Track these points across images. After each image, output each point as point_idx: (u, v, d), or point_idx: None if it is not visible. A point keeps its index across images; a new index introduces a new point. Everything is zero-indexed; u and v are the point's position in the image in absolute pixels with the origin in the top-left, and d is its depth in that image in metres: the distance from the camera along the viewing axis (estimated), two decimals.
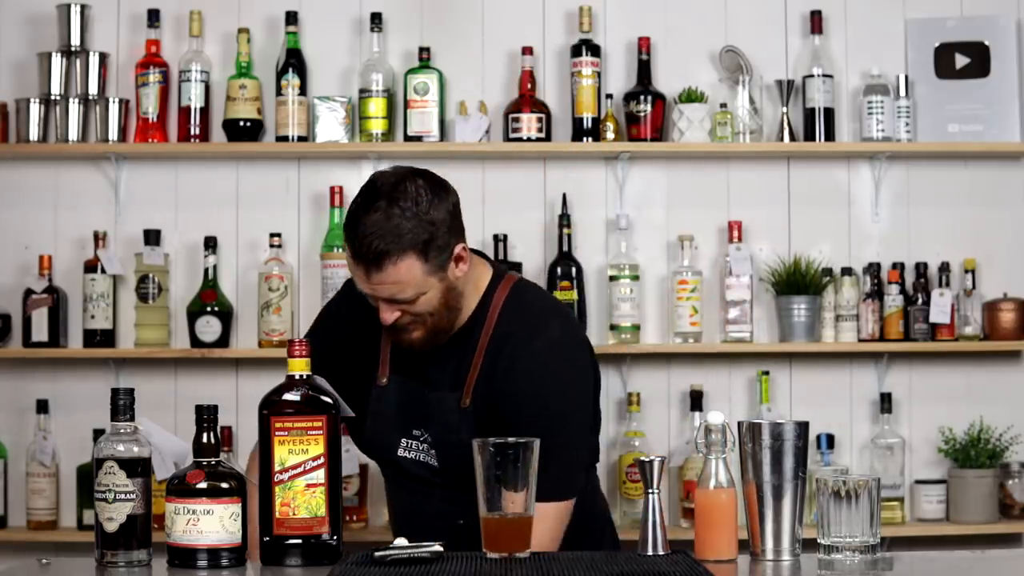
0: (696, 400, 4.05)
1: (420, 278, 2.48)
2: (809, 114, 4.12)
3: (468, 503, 2.18)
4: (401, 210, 2.47)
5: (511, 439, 2.16)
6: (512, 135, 4.06)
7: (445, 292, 2.52)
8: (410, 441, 2.61)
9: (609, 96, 4.11)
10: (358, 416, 2.61)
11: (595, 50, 4.10)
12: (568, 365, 2.57)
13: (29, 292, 4.03)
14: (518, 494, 2.13)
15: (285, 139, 4.06)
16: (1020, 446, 4.13)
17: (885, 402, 4.09)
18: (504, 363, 2.53)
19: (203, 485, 2.11)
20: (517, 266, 4.06)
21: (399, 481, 2.68)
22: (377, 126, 4.06)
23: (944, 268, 4.13)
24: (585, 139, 4.07)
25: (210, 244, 4.06)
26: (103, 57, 4.10)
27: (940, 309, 4.06)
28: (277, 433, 2.15)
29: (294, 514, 2.14)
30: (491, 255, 3.80)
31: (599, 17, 4.18)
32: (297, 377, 2.19)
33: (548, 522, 2.42)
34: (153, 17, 4.09)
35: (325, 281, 4.02)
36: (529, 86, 4.08)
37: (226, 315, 4.06)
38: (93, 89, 4.07)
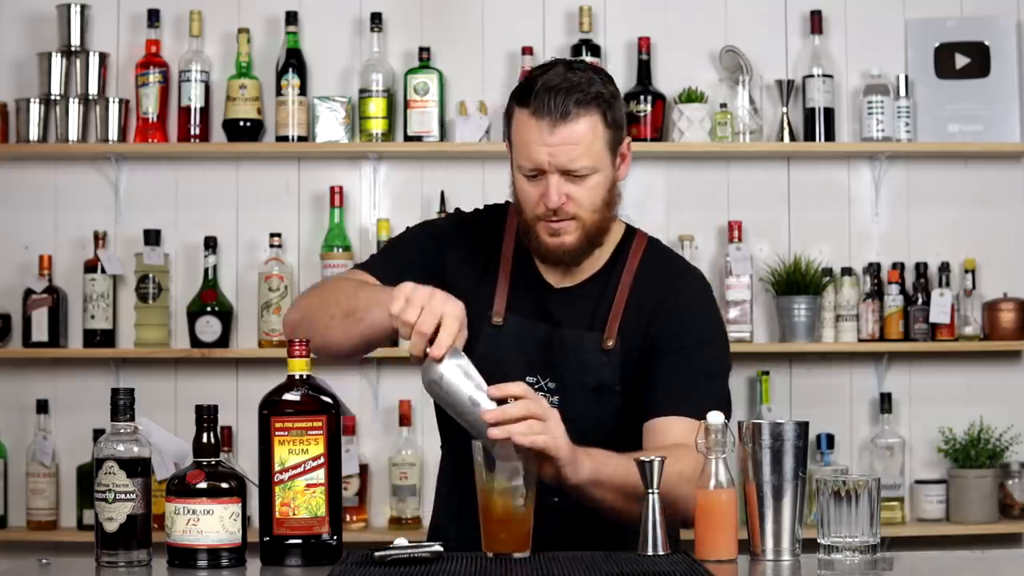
0: None
1: (599, 146, 2.37)
2: (809, 114, 4.12)
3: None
4: (583, 70, 2.39)
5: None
6: None
7: (610, 186, 2.41)
8: None
9: None
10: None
11: (595, 50, 4.10)
12: (718, 311, 2.54)
13: (29, 292, 4.03)
14: (519, 493, 2.13)
15: (285, 139, 4.06)
16: (1020, 446, 4.13)
17: (885, 402, 4.09)
18: (663, 298, 2.44)
19: (203, 485, 2.11)
20: None
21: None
22: (377, 126, 4.06)
23: (944, 268, 4.13)
24: None
25: (210, 244, 4.06)
26: (103, 57, 4.10)
27: (940, 309, 4.06)
28: (277, 433, 2.15)
29: (294, 514, 2.14)
30: None
31: (599, 17, 4.18)
32: (297, 377, 2.19)
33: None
34: (153, 17, 4.09)
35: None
36: None
37: (226, 315, 4.06)
38: (93, 89, 4.07)
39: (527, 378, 2.41)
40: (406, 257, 2.54)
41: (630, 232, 2.56)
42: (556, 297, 2.49)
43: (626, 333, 2.44)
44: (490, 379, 2.29)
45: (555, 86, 2.35)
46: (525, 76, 2.45)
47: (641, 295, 2.46)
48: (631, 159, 2.49)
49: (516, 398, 2.17)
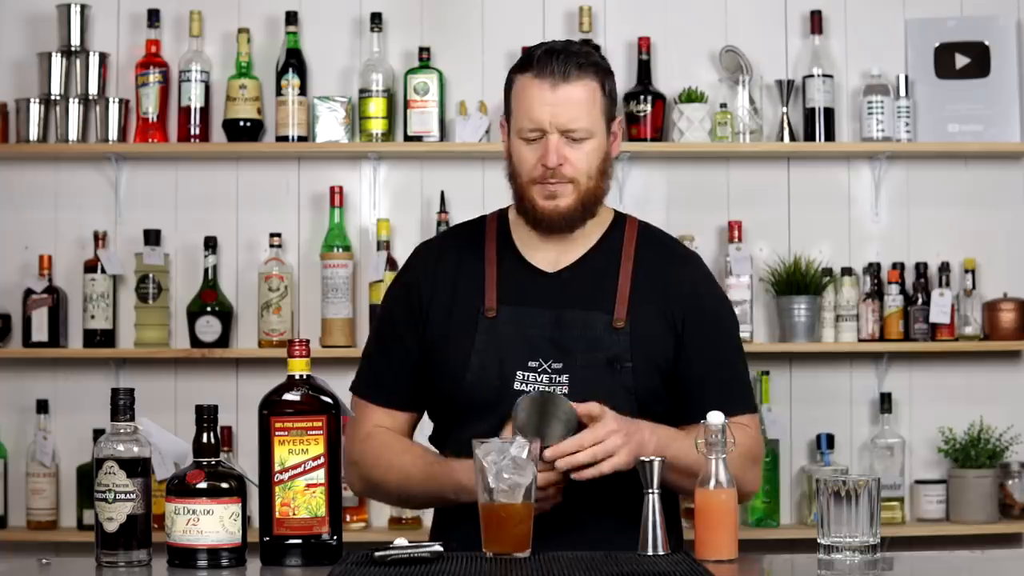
0: None
1: (596, 112, 2.44)
2: (809, 114, 4.12)
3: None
4: (583, 44, 2.51)
5: (518, 438, 2.15)
6: None
7: (605, 155, 2.47)
8: (527, 374, 2.43)
9: None
10: (462, 358, 2.45)
11: (595, 50, 4.10)
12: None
13: (29, 292, 4.03)
14: (519, 493, 2.13)
15: (285, 139, 4.06)
16: (1020, 446, 4.13)
17: (885, 402, 4.09)
18: (674, 280, 2.49)
19: (203, 485, 2.11)
20: None
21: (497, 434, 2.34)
22: (377, 126, 4.06)
23: (944, 268, 4.13)
24: None
25: (210, 244, 4.06)
26: (103, 57, 4.10)
27: (940, 309, 4.06)
28: (277, 433, 2.15)
29: (294, 514, 2.14)
30: None
31: (599, 17, 4.18)
32: (297, 377, 2.19)
33: (753, 430, 2.49)
34: (153, 17, 4.09)
35: (325, 281, 4.02)
36: None
37: (226, 315, 4.06)
38: (93, 89, 4.07)
39: (529, 363, 2.43)
40: (392, 366, 2.53)
41: (620, 216, 2.61)
42: (552, 280, 2.49)
43: (635, 314, 2.45)
44: (490, 371, 2.41)
45: (557, 50, 2.45)
46: (524, 54, 2.51)
47: (646, 274, 2.49)
48: (621, 142, 2.55)
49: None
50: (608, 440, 2.26)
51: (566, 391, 2.39)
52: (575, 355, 2.42)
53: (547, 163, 2.40)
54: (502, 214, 2.58)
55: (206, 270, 4.06)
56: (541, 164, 2.41)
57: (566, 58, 2.42)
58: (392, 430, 2.53)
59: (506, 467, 2.12)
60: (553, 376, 2.42)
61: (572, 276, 2.49)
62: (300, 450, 2.15)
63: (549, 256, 2.51)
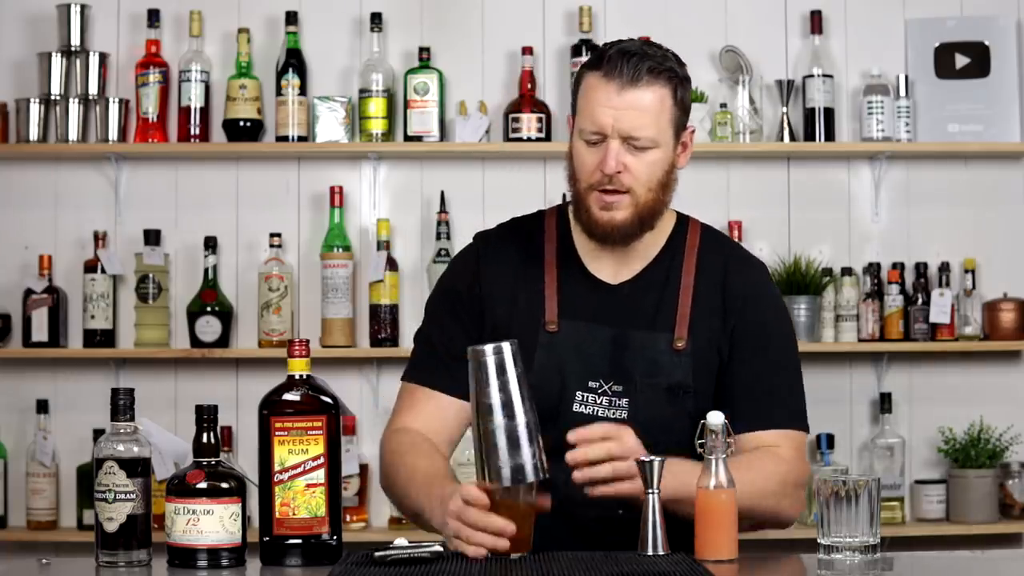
0: None
1: (664, 120, 2.34)
2: (809, 114, 4.12)
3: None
4: (660, 47, 2.39)
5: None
6: (512, 135, 4.06)
7: (668, 167, 2.37)
8: (586, 395, 2.35)
9: None
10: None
11: (595, 51, 4.10)
12: (783, 299, 2.51)
13: (29, 292, 4.03)
14: (520, 493, 2.13)
15: (285, 139, 4.06)
16: (1020, 446, 4.13)
17: (885, 402, 4.09)
18: (734, 294, 2.39)
19: (203, 485, 2.11)
20: None
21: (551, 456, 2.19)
22: (377, 126, 4.06)
23: (944, 268, 4.13)
24: None
25: (210, 244, 4.06)
26: (103, 57, 4.10)
27: (940, 309, 4.06)
28: (277, 433, 2.15)
29: (294, 514, 2.14)
30: None
31: (599, 17, 4.18)
32: (297, 377, 2.19)
33: (798, 450, 2.36)
34: (153, 17, 4.10)
35: (325, 281, 4.02)
36: (529, 86, 4.08)
37: (226, 315, 4.06)
38: (93, 89, 4.07)
39: (589, 383, 2.36)
40: (446, 342, 2.41)
41: (682, 220, 2.51)
42: (614, 294, 2.40)
43: (696, 332, 2.37)
44: (549, 388, 2.32)
45: (630, 51, 2.33)
46: (597, 51, 2.41)
47: (707, 285, 2.41)
48: (691, 152, 2.47)
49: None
50: (632, 461, 2.15)
51: (625, 416, 2.33)
52: (636, 379, 2.35)
53: (605, 169, 2.30)
54: (561, 211, 2.49)
55: (206, 270, 4.06)
56: (599, 169, 2.32)
57: (639, 61, 2.31)
58: (436, 418, 2.39)
59: None
60: (613, 399, 2.35)
61: (634, 289, 2.40)
62: (300, 450, 2.15)
63: (610, 265, 2.42)
